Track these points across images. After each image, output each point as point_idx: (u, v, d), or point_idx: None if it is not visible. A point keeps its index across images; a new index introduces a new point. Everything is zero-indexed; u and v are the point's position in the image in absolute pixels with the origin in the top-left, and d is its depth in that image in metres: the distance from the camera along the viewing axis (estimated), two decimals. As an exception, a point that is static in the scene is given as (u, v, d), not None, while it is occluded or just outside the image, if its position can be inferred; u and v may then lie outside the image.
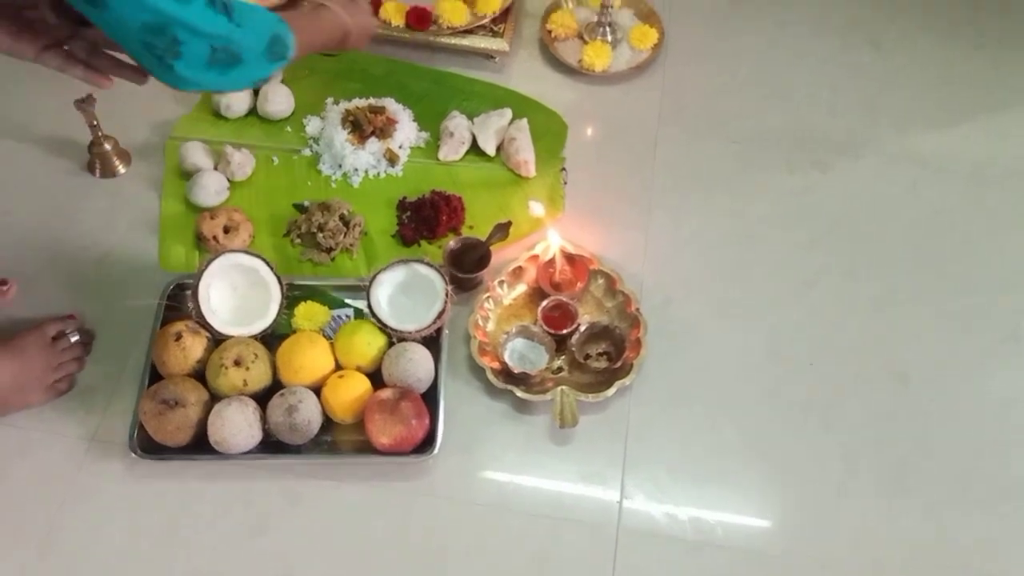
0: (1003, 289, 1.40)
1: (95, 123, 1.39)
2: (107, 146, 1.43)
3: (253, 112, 1.52)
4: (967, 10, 1.78)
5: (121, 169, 1.45)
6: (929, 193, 1.50)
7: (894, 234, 1.45)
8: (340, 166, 1.46)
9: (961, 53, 1.71)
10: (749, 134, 1.56)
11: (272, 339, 1.24)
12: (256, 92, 1.52)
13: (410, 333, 1.23)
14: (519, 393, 1.23)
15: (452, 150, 1.48)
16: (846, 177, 1.52)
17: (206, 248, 1.35)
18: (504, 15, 1.62)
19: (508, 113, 1.51)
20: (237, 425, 1.14)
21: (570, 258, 1.34)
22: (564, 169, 1.48)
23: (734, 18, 1.74)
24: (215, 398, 1.18)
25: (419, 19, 1.57)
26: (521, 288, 1.35)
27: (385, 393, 1.17)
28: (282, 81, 1.53)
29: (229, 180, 1.42)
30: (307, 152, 1.48)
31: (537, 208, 1.43)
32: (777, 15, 1.74)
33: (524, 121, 1.50)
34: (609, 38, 1.64)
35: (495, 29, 1.61)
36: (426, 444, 1.17)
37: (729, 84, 1.63)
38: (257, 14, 1.02)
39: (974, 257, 1.44)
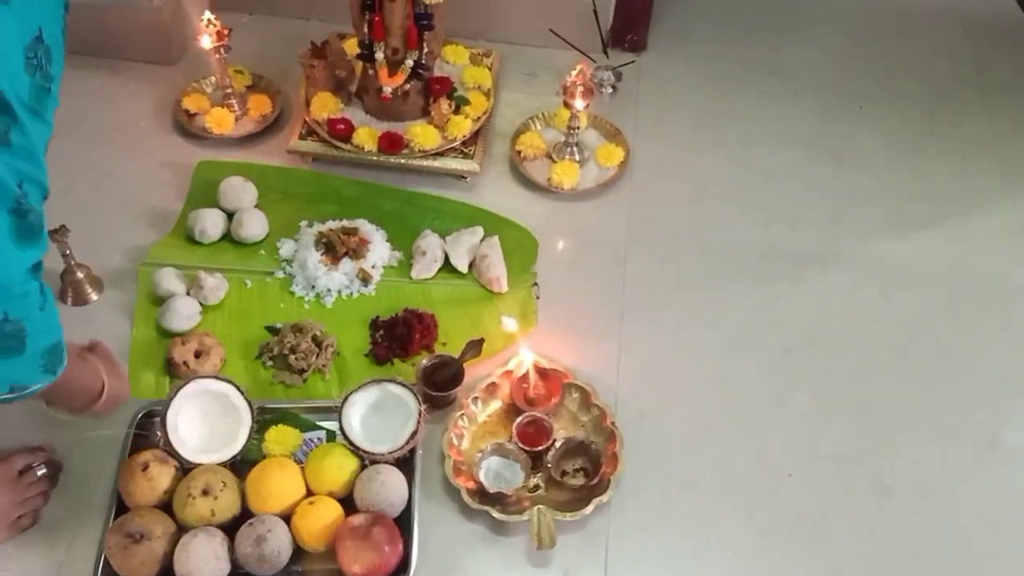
0: (981, 396, 1.40)
1: (68, 252, 1.40)
2: (80, 274, 1.43)
3: (227, 236, 1.53)
4: (920, 122, 1.85)
5: (93, 296, 1.45)
6: (900, 301, 1.52)
7: (868, 343, 1.46)
8: (313, 287, 1.47)
9: (919, 163, 1.76)
10: (718, 246, 1.59)
11: (242, 465, 1.22)
12: (230, 217, 1.54)
13: (383, 455, 1.21)
14: (495, 514, 1.20)
15: (425, 268, 1.49)
16: (816, 287, 1.54)
17: (176, 374, 1.34)
18: (474, 137, 1.67)
19: (479, 231, 1.54)
20: (204, 558, 1.11)
21: (544, 373, 1.34)
22: (536, 284, 1.50)
23: (698, 136, 1.79)
24: (183, 529, 1.15)
25: (391, 143, 1.61)
26: (495, 404, 1.35)
27: (357, 519, 1.15)
28: (256, 206, 1.56)
29: (202, 304, 1.42)
30: (280, 274, 1.49)
31: (510, 323, 1.44)
32: (740, 133, 1.80)
33: (495, 238, 1.52)
34: (577, 157, 1.69)
35: (465, 151, 1.65)
36: (400, 571, 1.14)
37: (696, 199, 1.67)
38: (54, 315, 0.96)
39: (949, 364, 1.44)
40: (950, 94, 1.92)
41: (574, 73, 1.59)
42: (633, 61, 1.90)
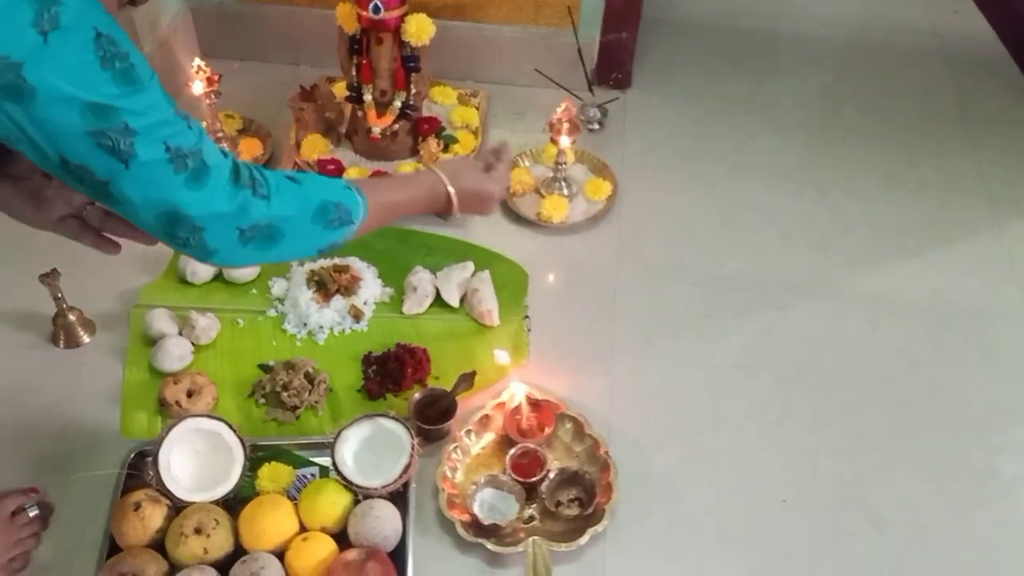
0: (971, 426, 1.40)
1: (59, 295, 1.40)
2: (71, 317, 1.43)
3: (219, 277, 1.54)
4: (904, 153, 1.88)
5: (85, 339, 1.45)
6: (889, 332, 1.53)
7: (858, 373, 1.47)
8: (305, 324, 1.47)
9: (904, 195, 1.79)
10: (707, 278, 1.60)
11: (235, 503, 1.21)
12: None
13: (376, 490, 1.20)
14: (490, 546, 1.19)
15: (416, 303, 1.50)
16: (805, 318, 1.55)
17: (168, 413, 1.33)
18: (463, 174, 1.69)
19: (470, 265, 1.55)
20: (197, 596, 1.09)
21: (536, 404, 1.34)
22: (527, 317, 1.51)
23: (684, 169, 1.82)
24: (175, 568, 1.14)
25: (381, 182, 1.63)
26: (489, 437, 1.34)
27: (351, 554, 1.14)
28: (248, 246, 1.56)
29: (194, 344, 1.43)
30: (272, 312, 1.50)
31: (502, 356, 1.44)
32: (725, 166, 1.83)
33: (486, 272, 1.53)
34: (565, 192, 1.71)
35: (455, 188, 1.67)
36: (395, 606, 1.12)
37: (684, 231, 1.69)
38: (303, 185, 0.99)
39: (939, 394, 1.45)
40: (932, 125, 1.96)
41: (560, 110, 1.62)
42: (618, 98, 1.93)
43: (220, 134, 1.72)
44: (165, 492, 1.19)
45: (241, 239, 0.93)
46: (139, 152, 0.83)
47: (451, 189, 1.18)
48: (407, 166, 1.64)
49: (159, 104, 0.85)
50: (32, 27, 0.75)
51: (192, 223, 0.89)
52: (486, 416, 1.34)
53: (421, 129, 1.69)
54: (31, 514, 1.21)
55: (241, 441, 1.24)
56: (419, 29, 1.55)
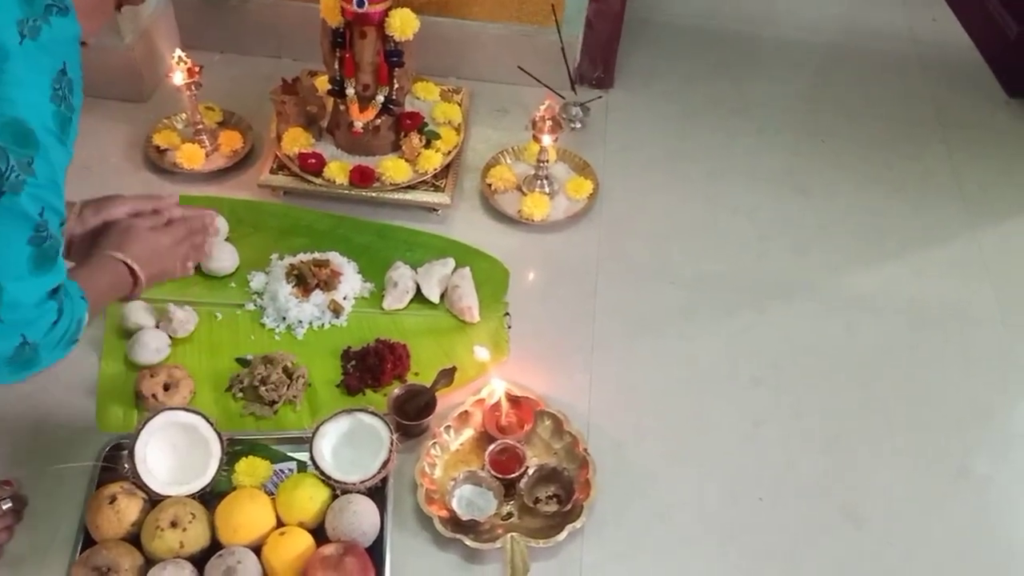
0: (948, 426, 1.42)
1: (36, 285, 1.38)
2: (47, 308, 1.42)
3: (197, 270, 1.53)
4: (882, 156, 1.90)
5: (61, 330, 1.43)
6: (866, 332, 1.55)
7: (836, 373, 1.48)
8: (284, 319, 1.46)
9: (881, 197, 1.81)
10: (686, 277, 1.61)
11: (211, 497, 1.20)
12: (201, 250, 1.54)
13: (354, 484, 1.20)
14: (468, 542, 1.19)
15: (396, 299, 1.50)
16: (784, 318, 1.56)
17: (145, 407, 1.32)
18: (445, 171, 1.69)
19: (451, 262, 1.55)
20: (172, 590, 1.09)
21: (515, 401, 1.34)
22: (507, 314, 1.51)
23: (665, 169, 1.83)
24: (151, 562, 1.13)
25: (362, 177, 1.63)
26: (468, 433, 1.34)
27: (328, 549, 1.13)
28: (226, 239, 1.56)
29: (171, 337, 1.41)
30: (251, 307, 1.49)
31: (482, 353, 1.44)
32: (706, 167, 1.84)
33: (467, 269, 1.53)
34: (547, 189, 1.71)
35: (437, 184, 1.67)
36: (372, 601, 1.12)
37: (664, 231, 1.70)
38: (71, 301, 1.01)
39: (917, 395, 1.46)
40: (910, 130, 1.98)
41: (543, 108, 1.62)
42: (600, 97, 1.94)
43: (200, 126, 1.70)
44: (141, 485, 1.18)
45: (14, 354, 0.95)
46: (18, 196, 0.87)
47: (134, 266, 1.15)
48: (389, 161, 1.64)
49: (56, 174, 0.91)
50: (15, 25, 0.83)
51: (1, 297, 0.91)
52: (465, 412, 1.34)
53: (403, 124, 1.69)
54: (3, 507, 1.19)
55: (218, 435, 1.23)
56: (403, 23, 1.54)
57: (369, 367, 1.39)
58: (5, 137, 0.85)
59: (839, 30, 2.30)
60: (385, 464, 1.21)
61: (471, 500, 1.26)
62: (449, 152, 1.70)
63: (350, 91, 1.63)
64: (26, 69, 0.85)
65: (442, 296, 1.51)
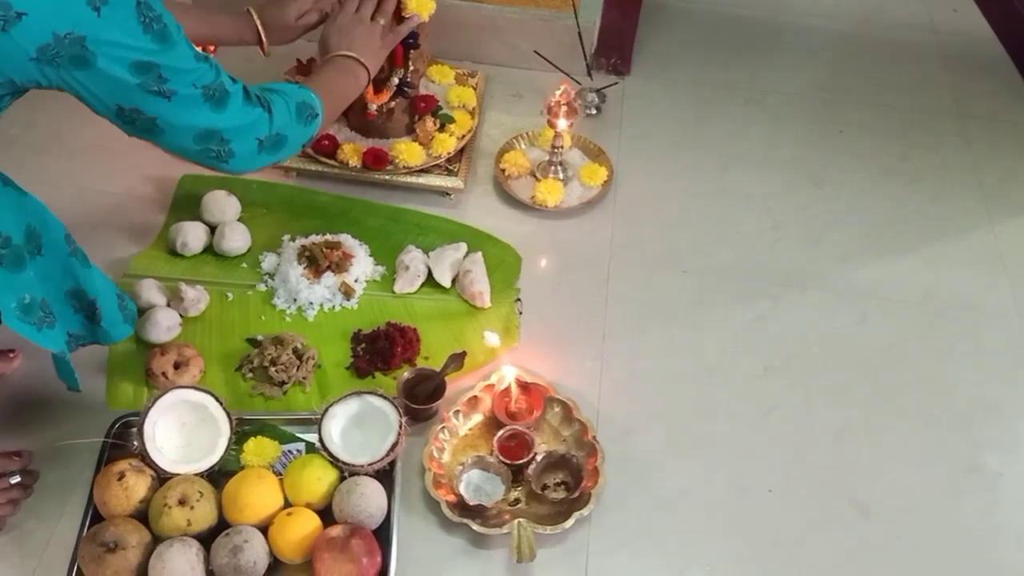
0: (958, 420, 1.41)
1: (48, 262, 1.39)
2: (59, 284, 1.42)
3: (209, 249, 1.53)
4: (899, 147, 1.88)
5: (73, 307, 1.43)
6: (878, 324, 1.53)
7: (847, 365, 1.47)
8: (295, 300, 1.46)
9: (897, 188, 1.79)
10: (699, 266, 1.60)
11: (220, 476, 1.20)
12: (212, 230, 1.54)
13: (362, 467, 1.20)
14: (475, 527, 1.19)
15: (408, 283, 1.49)
16: (795, 309, 1.55)
17: (155, 385, 1.32)
18: (459, 155, 1.68)
19: (463, 246, 1.54)
20: (179, 568, 1.09)
21: (525, 387, 1.33)
22: (519, 300, 1.50)
23: (680, 158, 1.81)
24: (158, 539, 1.13)
25: (376, 159, 1.62)
26: (477, 418, 1.34)
27: (335, 530, 1.13)
28: (239, 219, 1.55)
29: (182, 316, 1.41)
30: (262, 287, 1.49)
31: (492, 338, 1.43)
32: (721, 155, 1.82)
33: (479, 254, 1.53)
34: (561, 176, 1.70)
35: (450, 168, 1.66)
36: (378, 583, 1.12)
37: (678, 219, 1.68)
38: (282, 93, 1.19)
39: (928, 388, 1.45)
40: (928, 121, 1.96)
41: (558, 93, 1.61)
42: (616, 83, 1.92)
43: (214, 105, 1.70)
44: (150, 463, 1.18)
45: (259, 149, 1.15)
46: (177, 91, 1.02)
47: (365, 63, 1.38)
48: (402, 144, 1.63)
49: (185, 53, 1.02)
50: (87, 6, 0.91)
51: (221, 136, 1.10)
52: (475, 397, 1.34)
53: (418, 107, 1.68)
54: (12, 480, 1.20)
55: (227, 414, 1.23)
56: (420, 5, 1.53)
57: (379, 350, 1.38)
58: (138, 75, 0.98)
59: (857, 18, 2.27)
60: (393, 447, 1.21)
61: (479, 485, 1.26)
62: (463, 136, 1.69)
63: (365, 73, 1.62)
64: (117, 28, 0.95)
65: (454, 281, 1.51)
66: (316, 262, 1.47)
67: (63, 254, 1.16)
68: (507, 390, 1.33)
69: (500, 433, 1.28)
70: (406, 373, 1.34)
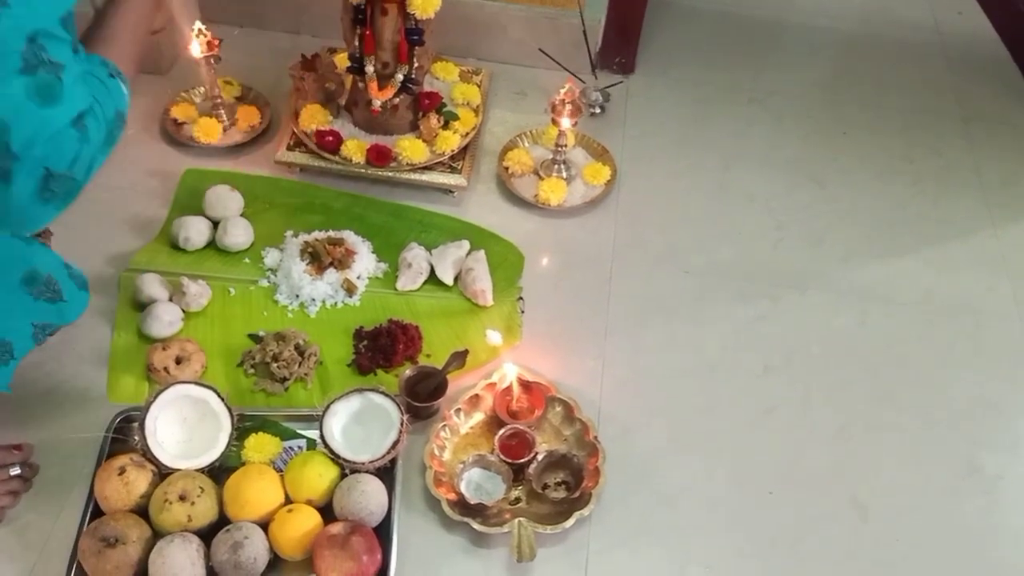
0: (958, 421, 1.41)
1: (50, 255, 1.38)
2: (61, 278, 1.42)
3: (212, 244, 1.53)
4: (902, 149, 1.88)
5: (74, 301, 1.43)
6: (880, 324, 1.53)
7: (847, 364, 1.47)
8: (297, 296, 1.46)
9: (900, 190, 1.79)
10: (701, 266, 1.60)
11: (221, 472, 1.20)
12: (215, 225, 1.53)
13: (363, 464, 1.20)
14: (476, 526, 1.19)
15: (410, 280, 1.49)
16: (797, 309, 1.55)
17: (156, 379, 1.32)
18: (462, 152, 1.68)
19: (466, 244, 1.54)
20: (179, 564, 1.09)
21: (527, 386, 1.33)
22: (521, 298, 1.50)
23: (683, 157, 1.81)
24: (158, 535, 1.13)
25: (379, 156, 1.62)
26: (478, 417, 1.34)
27: (335, 528, 1.13)
28: (241, 215, 1.55)
29: (184, 311, 1.41)
30: (264, 283, 1.49)
31: (494, 337, 1.43)
32: (724, 155, 1.82)
33: (481, 252, 1.52)
34: (564, 174, 1.70)
35: (454, 166, 1.66)
36: (378, 581, 1.12)
37: (680, 218, 1.68)
38: (102, 104, 1.04)
39: (927, 388, 1.45)
40: (931, 123, 1.96)
41: (562, 92, 1.61)
42: (621, 82, 1.92)
43: (218, 100, 1.70)
44: (151, 458, 1.18)
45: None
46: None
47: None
48: (406, 141, 1.63)
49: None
50: None
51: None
52: (476, 396, 1.34)
53: (422, 104, 1.67)
54: (11, 473, 1.20)
55: (229, 410, 1.23)
56: (425, 2, 1.53)
57: (381, 347, 1.38)
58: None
59: (862, 19, 2.27)
60: (395, 445, 1.21)
61: (479, 484, 1.26)
62: (467, 134, 1.68)
63: (369, 69, 1.62)
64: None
65: (456, 278, 1.51)
66: (319, 258, 1.47)
67: (4, 239, 1.07)
68: (509, 389, 1.33)
69: (501, 432, 1.28)
70: (408, 371, 1.34)
